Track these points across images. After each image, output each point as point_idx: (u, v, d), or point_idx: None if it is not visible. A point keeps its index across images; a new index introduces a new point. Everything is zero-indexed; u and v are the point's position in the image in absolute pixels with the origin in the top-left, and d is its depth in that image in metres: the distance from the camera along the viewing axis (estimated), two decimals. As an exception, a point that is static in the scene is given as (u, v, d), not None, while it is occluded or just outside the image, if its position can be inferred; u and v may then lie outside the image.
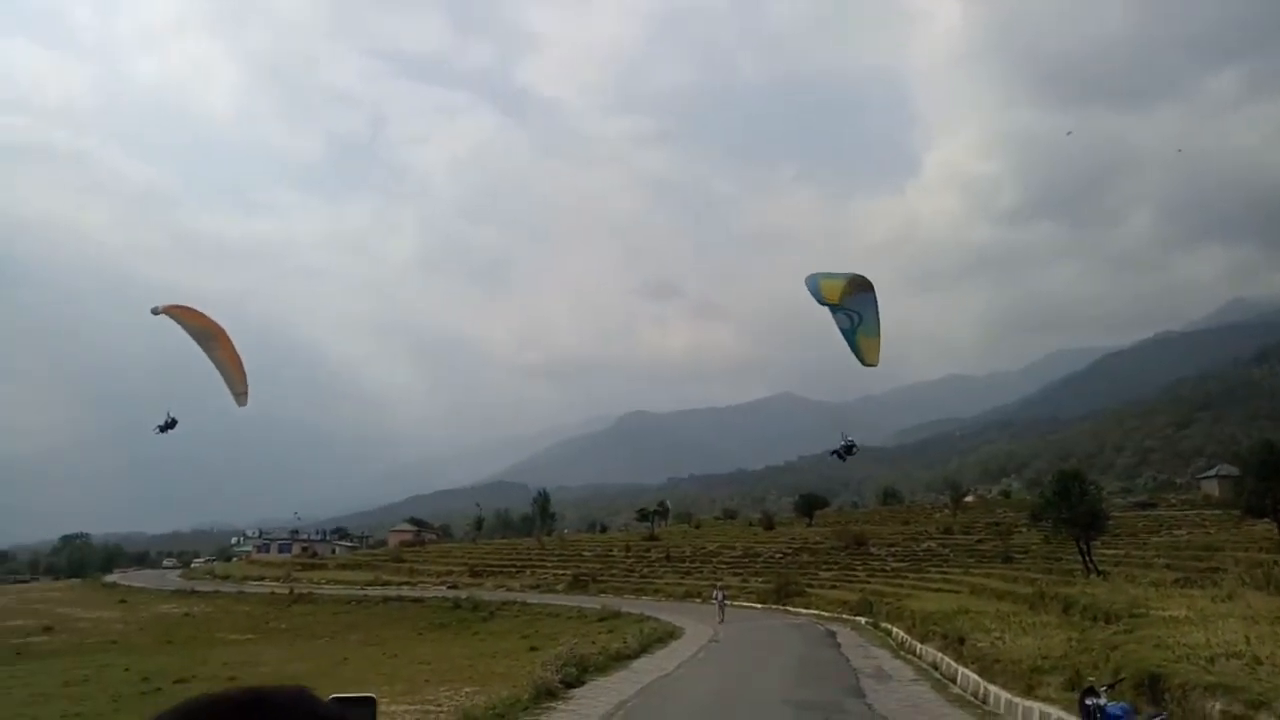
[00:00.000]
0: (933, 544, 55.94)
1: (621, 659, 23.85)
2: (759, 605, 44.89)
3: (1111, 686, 9.48)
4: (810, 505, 79.64)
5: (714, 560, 61.23)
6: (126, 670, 31.29)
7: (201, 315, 21.36)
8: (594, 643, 27.30)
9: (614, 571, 62.39)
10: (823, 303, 15.14)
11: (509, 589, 57.23)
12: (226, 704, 1.28)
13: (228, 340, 21.10)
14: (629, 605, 43.64)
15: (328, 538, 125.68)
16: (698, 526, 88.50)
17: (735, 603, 44.20)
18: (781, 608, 42.99)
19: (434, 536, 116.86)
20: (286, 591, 59.84)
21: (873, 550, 56.44)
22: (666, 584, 54.97)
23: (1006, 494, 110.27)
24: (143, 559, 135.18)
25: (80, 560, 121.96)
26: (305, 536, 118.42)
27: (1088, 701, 9.05)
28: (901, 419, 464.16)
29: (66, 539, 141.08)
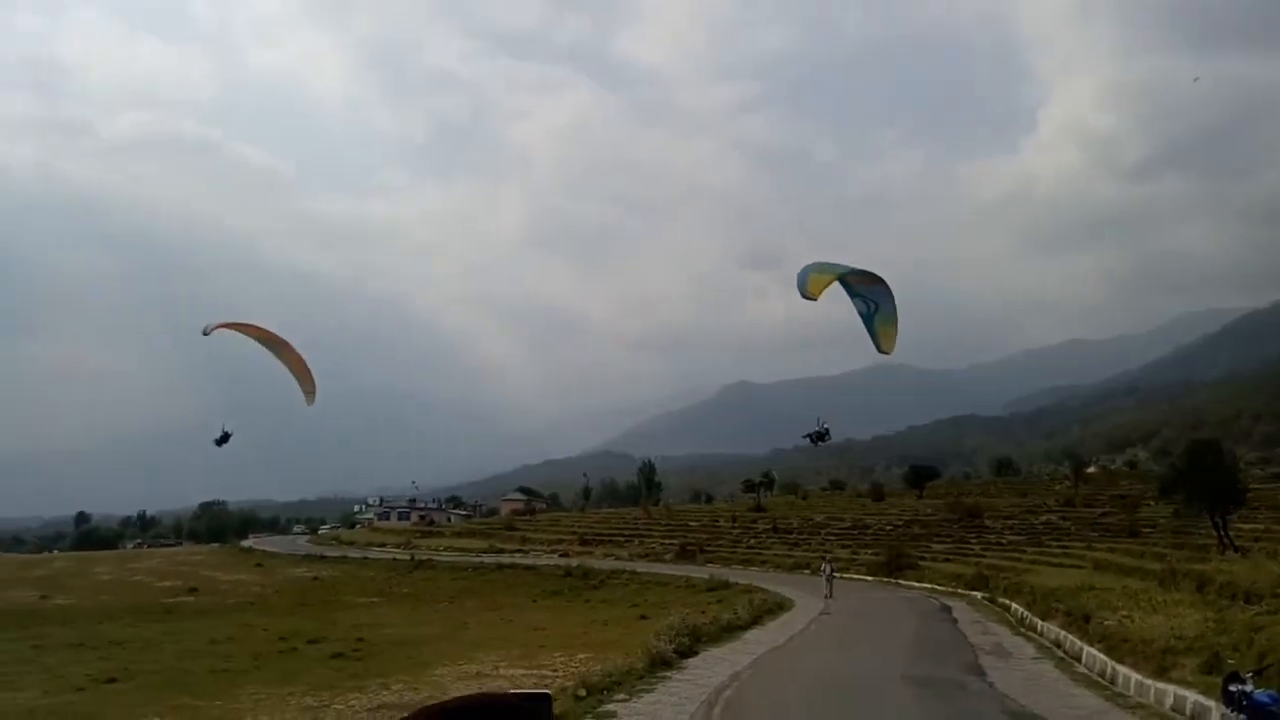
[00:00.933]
0: (1052, 517, 53.96)
1: (733, 630, 24.03)
2: (869, 578, 44.36)
3: (1258, 673, 8.99)
4: (920, 476, 77.90)
5: (822, 532, 60.72)
6: (265, 630, 33.37)
7: (262, 328, 23.56)
8: (704, 613, 27.59)
9: (721, 542, 62.63)
10: (806, 296, 15.62)
11: (617, 558, 58.18)
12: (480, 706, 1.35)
13: (292, 347, 23.13)
14: (737, 576, 43.78)
15: (443, 506, 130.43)
16: (804, 498, 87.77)
17: (844, 575, 43.76)
18: (892, 581, 42.36)
19: (543, 506, 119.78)
20: (407, 558, 62.41)
21: (987, 523, 54.87)
22: (774, 555, 54.85)
23: (1132, 465, 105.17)
24: (274, 525, 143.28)
25: (218, 526, 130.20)
26: (422, 505, 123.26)
27: (1231, 688, 8.62)
28: (1015, 387, 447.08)
29: (205, 506, 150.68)
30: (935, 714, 13.46)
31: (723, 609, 28.37)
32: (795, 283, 15.69)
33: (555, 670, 21.41)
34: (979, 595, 33.38)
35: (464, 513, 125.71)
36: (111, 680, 23.11)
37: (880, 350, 16.85)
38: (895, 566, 44.53)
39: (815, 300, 15.73)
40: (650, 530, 72.00)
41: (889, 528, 58.52)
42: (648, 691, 15.17)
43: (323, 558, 68.20)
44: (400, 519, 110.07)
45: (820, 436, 20.73)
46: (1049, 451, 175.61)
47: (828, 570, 35.28)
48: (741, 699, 14.70)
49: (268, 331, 22.79)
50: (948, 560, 45.14)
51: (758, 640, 22.56)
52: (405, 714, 1.36)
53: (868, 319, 16.69)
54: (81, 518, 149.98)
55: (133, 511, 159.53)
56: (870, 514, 65.36)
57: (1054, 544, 45.42)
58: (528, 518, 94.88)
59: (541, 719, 1.43)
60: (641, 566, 51.40)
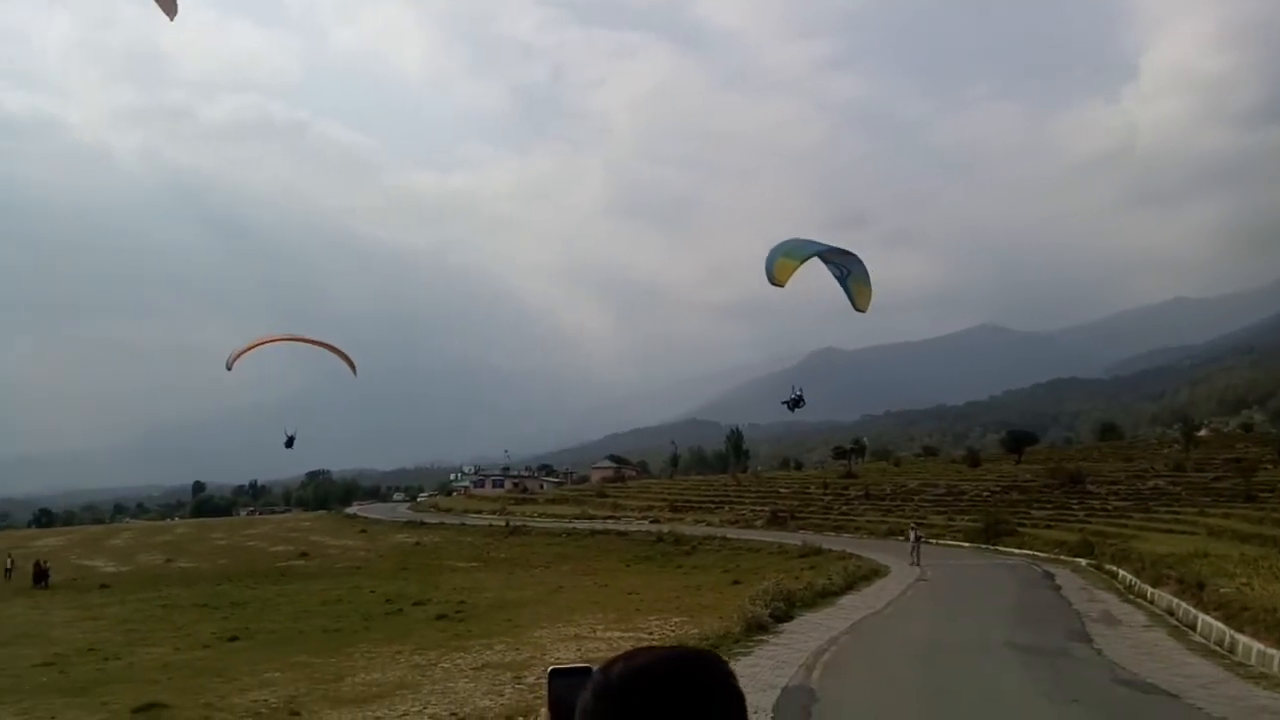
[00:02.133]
0: (1160, 482, 51.77)
1: (828, 595, 23.97)
2: (966, 545, 43.50)
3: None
4: (1019, 441, 75.73)
5: (915, 498, 59.73)
6: (371, 592, 34.85)
7: (274, 337, 26.71)
8: (797, 579, 27.57)
9: (812, 509, 62.26)
10: (773, 283, 16.19)
11: (708, 524, 58.47)
12: (667, 660, 1.39)
13: (309, 338, 26.07)
14: (829, 542, 43.51)
15: (535, 474, 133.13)
16: (897, 464, 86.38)
17: (939, 542, 43.05)
18: (991, 548, 41.43)
19: (633, 473, 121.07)
20: (503, 524, 64.06)
21: (1091, 488, 53.02)
22: (867, 522, 54.26)
23: (1248, 427, 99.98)
24: (375, 493, 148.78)
25: (323, 494, 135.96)
26: (515, 473, 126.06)
27: None
28: (1117, 349, 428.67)
29: (311, 475, 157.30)
30: (1041, 681, 13.20)
31: (817, 575, 28.29)
32: (768, 263, 16.41)
33: (651, 633, 21.79)
34: (1084, 562, 32.37)
35: (555, 480, 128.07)
36: (234, 638, 24.55)
37: (856, 309, 17.69)
38: (993, 533, 43.53)
39: (783, 287, 16.45)
40: (740, 497, 72.06)
41: (986, 494, 57.15)
42: (745, 655, 15.31)
43: (423, 524, 70.54)
44: (494, 486, 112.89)
45: (796, 403, 22.57)
46: (1156, 415, 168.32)
47: (914, 536, 34.77)
48: (840, 662, 14.71)
49: (279, 337, 25.56)
50: (1049, 527, 43.88)
51: (853, 606, 22.46)
52: (612, 657, 1.41)
53: (842, 281, 17.56)
54: (198, 486, 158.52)
55: (244, 480, 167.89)
56: (966, 480, 63.94)
57: (1163, 510, 43.62)
58: (618, 484, 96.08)
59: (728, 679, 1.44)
60: (732, 533, 51.57)
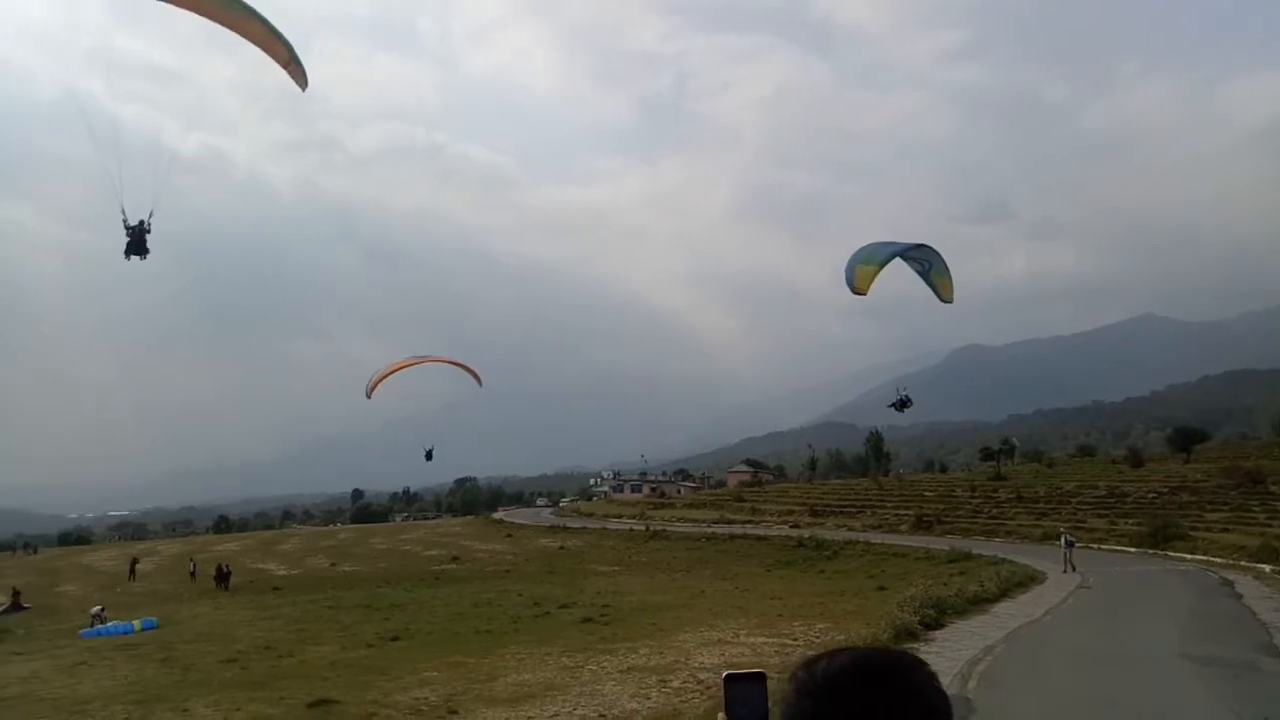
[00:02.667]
0: (1357, 481, 47.04)
1: (980, 602, 23.05)
2: (1131, 550, 40.85)
3: None
4: (1187, 439, 70.31)
5: (1072, 501, 56.50)
6: (520, 595, 35.90)
7: (405, 361, 29.61)
8: (946, 585, 26.64)
9: (959, 512, 59.91)
10: (855, 292, 16.90)
11: (850, 528, 57.23)
12: (869, 660, 1.41)
13: (433, 358, 29.17)
14: (979, 547, 41.76)
15: (672, 478, 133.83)
16: (1050, 465, 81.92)
17: (1101, 546, 40.61)
18: (1160, 552, 38.75)
19: (770, 477, 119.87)
20: (643, 528, 64.71)
21: (1273, 489, 48.72)
22: (1019, 526, 51.76)
23: None
24: (519, 498, 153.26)
25: (471, 500, 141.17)
26: (652, 477, 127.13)
27: None
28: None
29: (459, 482, 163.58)
30: (1224, 696, 12.28)
31: (967, 581, 27.26)
32: (848, 272, 17.57)
33: (795, 639, 21.54)
34: (1268, 569, 29.84)
35: (692, 484, 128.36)
36: (395, 638, 25.84)
37: (942, 300, 18.41)
38: (1161, 537, 40.67)
39: (865, 295, 17.21)
40: (882, 501, 70.16)
41: (1151, 495, 53.43)
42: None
43: (565, 528, 72.12)
44: (633, 491, 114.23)
45: (903, 404, 23.43)
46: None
47: (1065, 541, 32.94)
48: (996, 672, 14.14)
49: (410, 360, 28.93)
50: (1225, 530, 40.62)
51: (1008, 613, 21.52)
52: (812, 655, 1.44)
53: (924, 276, 18.17)
54: (357, 494, 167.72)
55: (398, 487, 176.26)
56: (1129, 481, 59.95)
57: (1362, 512, 39.64)
58: (755, 489, 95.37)
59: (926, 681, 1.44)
60: (875, 537, 50.30)
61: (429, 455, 34.69)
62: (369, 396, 29.16)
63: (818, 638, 21.28)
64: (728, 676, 1.63)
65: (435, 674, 19.27)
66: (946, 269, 18.26)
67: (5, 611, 41.58)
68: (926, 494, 69.96)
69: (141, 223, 15.97)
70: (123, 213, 15.72)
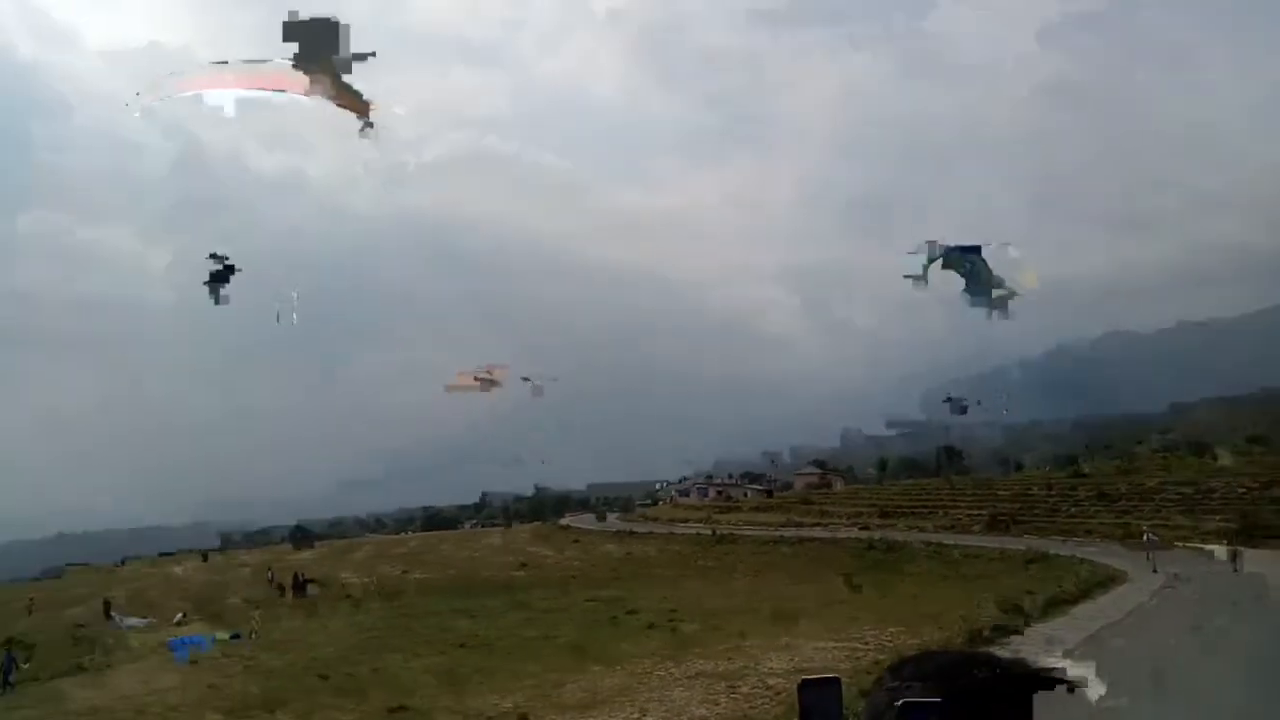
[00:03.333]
0: None
1: (1059, 604, 22.42)
2: (1220, 548, 39.21)
3: None
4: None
5: (1156, 498, 54.52)
6: (588, 601, 36.05)
7: (469, 375, 31.10)
8: (1023, 586, 25.96)
9: (1035, 512, 58.34)
10: (918, 283, 16.43)
11: (921, 530, 56.22)
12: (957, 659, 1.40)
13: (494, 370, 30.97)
14: (1057, 547, 40.62)
15: (739, 481, 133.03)
16: (1131, 461, 79.24)
17: (1187, 545, 39.06)
18: (1247, 550, 37.09)
19: (838, 479, 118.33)
20: (709, 533, 64.47)
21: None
22: (1100, 525, 50.17)
23: None
24: (585, 504, 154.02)
25: (538, 506, 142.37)
26: (718, 481, 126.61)
27: None
28: None
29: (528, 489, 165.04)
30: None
31: (1045, 582, 26.52)
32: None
33: (867, 643, 21.18)
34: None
35: (759, 488, 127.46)
36: (466, 645, 26.24)
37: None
38: (1254, 535, 38.94)
39: (926, 285, 17.10)
40: (955, 501, 68.69)
41: (1241, 491, 51.25)
42: (970, 668, 14.59)
43: (632, 534, 72.27)
44: (699, 495, 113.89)
45: (961, 409, 24.26)
46: None
47: (1147, 539, 31.84)
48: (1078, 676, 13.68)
49: (475, 372, 30.46)
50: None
51: (1089, 615, 20.88)
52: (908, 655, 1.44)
53: (972, 279, 17.83)
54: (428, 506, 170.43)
55: (467, 495, 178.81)
56: (1214, 477, 57.62)
57: None
58: (824, 491, 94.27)
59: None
60: (948, 538, 49.31)
61: (519, 460, 36.72)
62: (449, 393, 30.88)
63: (890, 641, 20.90)
64: (802, 682, 1.63)
65: (506, 681, 19.48)
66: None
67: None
68: (1001, 493, 68.25)
69: (223, 260, 16.37)
70: (210, 255, 16.29)
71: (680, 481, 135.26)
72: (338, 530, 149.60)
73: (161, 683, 23.46)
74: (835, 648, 20.84)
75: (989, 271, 17.92)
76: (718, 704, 15.60)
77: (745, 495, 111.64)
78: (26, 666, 32.74)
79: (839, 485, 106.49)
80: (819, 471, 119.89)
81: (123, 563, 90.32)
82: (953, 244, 18.38)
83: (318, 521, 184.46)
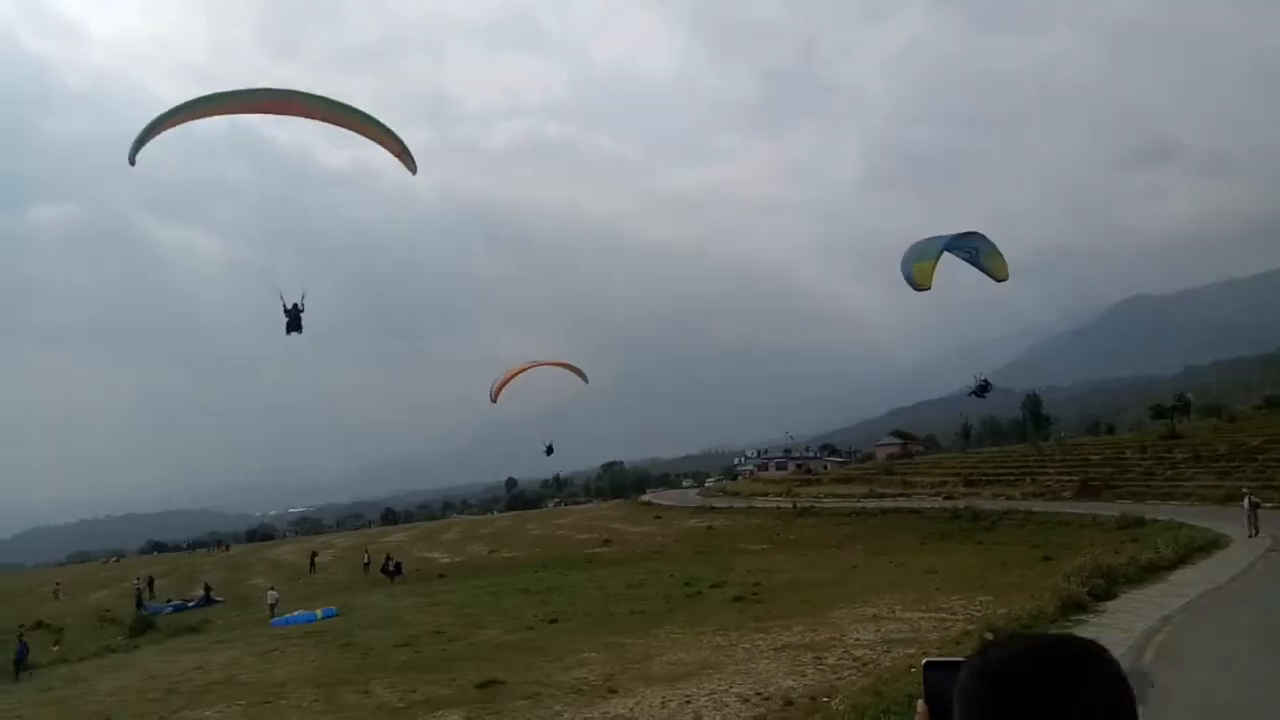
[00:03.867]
0: None
1: (1155, 570, 21.68)
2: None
3: None
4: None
5: (1259, 458, 52.03)
6: (671, 576, 36.35)
7: (518, 369, 33.97)
8: (1117, 553, 25.16)
9: (1128, 476, 56.33)
10: (918, 288, 17.62)
11: (1008, 497, 54.89)
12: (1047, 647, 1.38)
13: (536, 365, 33.79)
14: (1152, 512, 39.17)
15: (818, 454, 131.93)
16: (1232, 420, 75.66)
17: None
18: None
19: (920, 448, 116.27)
20: (790, 505, 64.23)
21: None
22: (1197, 488, 48.19)
23: None
24: (665, 480, 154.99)
25: (618, 483, 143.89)
26: (797, 454, 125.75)
27: None
28: None
29: (606, 466, 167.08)
30: None
31: (1140, 548, 25.64)
32: (906, 272, 18.74)
33: (954, 613, 20.92)
34: None
35: (839, 459, 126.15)
36: (554, 620, 26.76)
37: (998, 280, 19.17)
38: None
39: (929, 289, 18.02)
40: (1043, 467, 66.82)
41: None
42: (1063, 636, 14.26)
43: (712, 508, 72.47)
44: (778, 469, 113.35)
45: (983, 390, 25.12)
46: None
47: (1248, 503, 30.39)
48: (1176, 645, 13.29)
49: (526, 365, 33.65)
50: None
51: (1188, 581, 20.14)
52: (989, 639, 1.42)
53: (974, 262, 18.84)
54: (511, 482, 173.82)
55: (548, 474, 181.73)
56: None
57: None
58: (906, 461, 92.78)
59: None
60: (1037, 505, 48.03)
61: (549, 450, 40.51)
62: (494, 401, 32.08)
63: (978, 611, 20.59)
64: (927, 664, 1.64)
65: (593, 654, 19.85)
66: (996, 249, 18.89)
67: (198, 605, 45.67)
68: (1091, 457, 66.10)
69: (295, 305, 18.52)
70: (281, 299, 18.38)
71: (758, 455, 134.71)
72: (426, 513, 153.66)
73: (269, 659, 24.61)
74: (922, 618, 20.63)
75: (991, 246, 18.58)
76: (804, 675, 15.63)
77: (825, 468, 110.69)
78: (56, 649, 35.01)
79: (921, 454, 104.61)
80: (901, 441, 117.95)
81: (227, 547, 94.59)
82: (941, 235, 19.33)
83: (406, 504, 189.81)
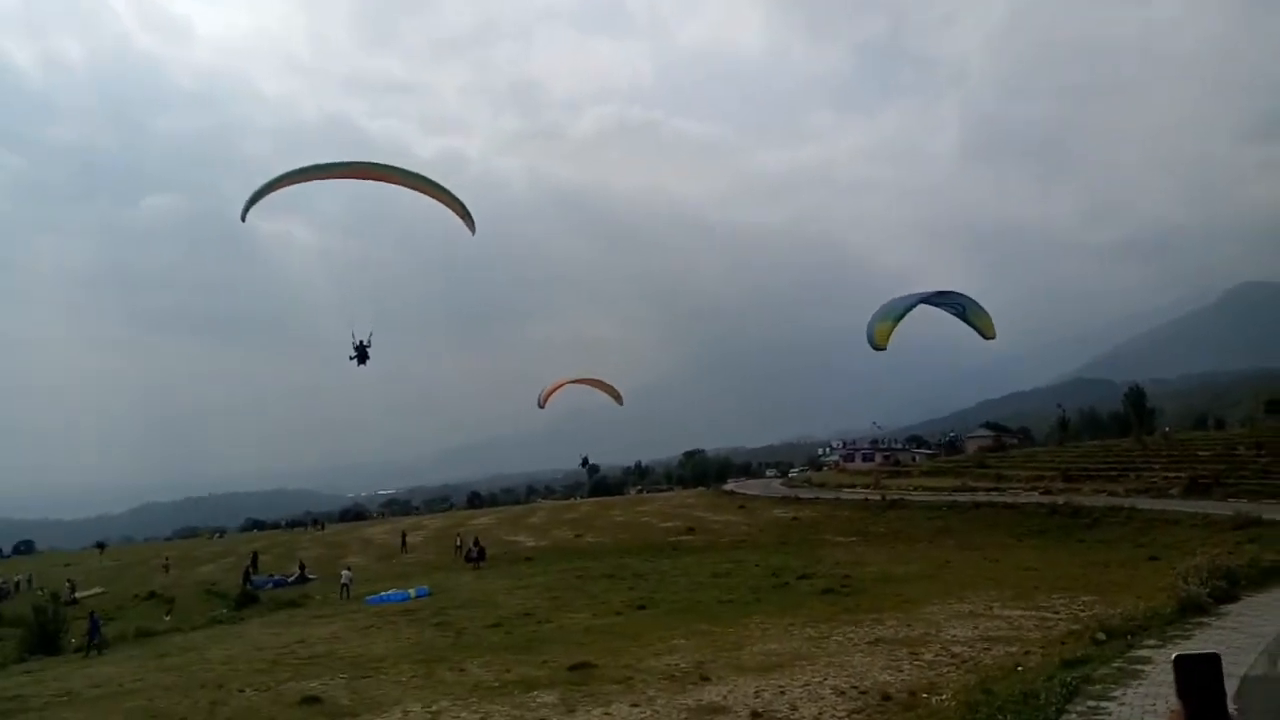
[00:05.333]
0: None
1: (1277, 573, 20.48)
2: None
3: None
4: None
5: (1391, 456, 48.75)
6: (757, 565, 36.12)
7: (563, 381, 36.13)
8: (1233, 553, 23.87)
9: (1243, 473, 53.29)
10: (875, 347, 18.51)
11: (1110, 494, 52.65)
12: None
13: (586, 379, 35.73)
14: (1270, 512, 37.03)
15: (906, 446, 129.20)
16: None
17: None
18: None
19: (1014, 441, 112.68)
20: (878, 497, 63.03)
21: None
22: (1322, 487, 45.35)
23: None
24: (747, 469, 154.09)
25: (700, 471, 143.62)
26: (885, 445, 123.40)
27: None
28: None
29: (688, 454, 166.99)
30: None
31: (1261, 549, 24.28)
32: (869, 329, 19.82)
33: (1056, 612, 20.21)
34: None
35: (929, 451, 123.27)
36: (641, 606, 26.85)
37: (987, 338, 19.77)
38: None
39: (884, 350, 18.90)
40: (1148, 463, 63.90)
41: None
42: (1183, 638, 13.58)
43: (798, 499, 71.66)
44: (864, 460, 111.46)
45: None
46: None
47: None
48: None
49: (570, 378, 35.70)
50: None
51: (1313, 586, 18.97)
52: None
53: (962, 316, 19.25)
54: (592, 468, 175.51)
55: (629, 461, 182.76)
56: None
57: None
58: (999, 454, 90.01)
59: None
60: (1143, 503, 45.92)
61: (585, 461, 43.39)
62: (541, 407, 35.41)
63: (1082, 611, 19.84)
64: (1177, 658, 1.58)
65: (683, 641, 19.83)
66: (980, 306, 19.62)
67: (294, 582, 47.46)
68: (1201, 454, 62.92)
69: (363, 342, 21.75)
70: (353, 336, 21.73)
71: (843, 446, 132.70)
72: (511, 497, 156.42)
73: (367, 635, 25.39)
74: (1023, 615, 19.98)
75: (975, 304, 18.82)
76: (901, 670, 15.29)
77: (914, 459, 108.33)
78: (168, 618, 36.61)
79: (1015, 447, 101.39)
80: (993, 434, 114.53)
81: (322, 526, 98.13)
82: (912, 294, 20.08)
83: (491, 487, 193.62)
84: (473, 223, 21.20)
